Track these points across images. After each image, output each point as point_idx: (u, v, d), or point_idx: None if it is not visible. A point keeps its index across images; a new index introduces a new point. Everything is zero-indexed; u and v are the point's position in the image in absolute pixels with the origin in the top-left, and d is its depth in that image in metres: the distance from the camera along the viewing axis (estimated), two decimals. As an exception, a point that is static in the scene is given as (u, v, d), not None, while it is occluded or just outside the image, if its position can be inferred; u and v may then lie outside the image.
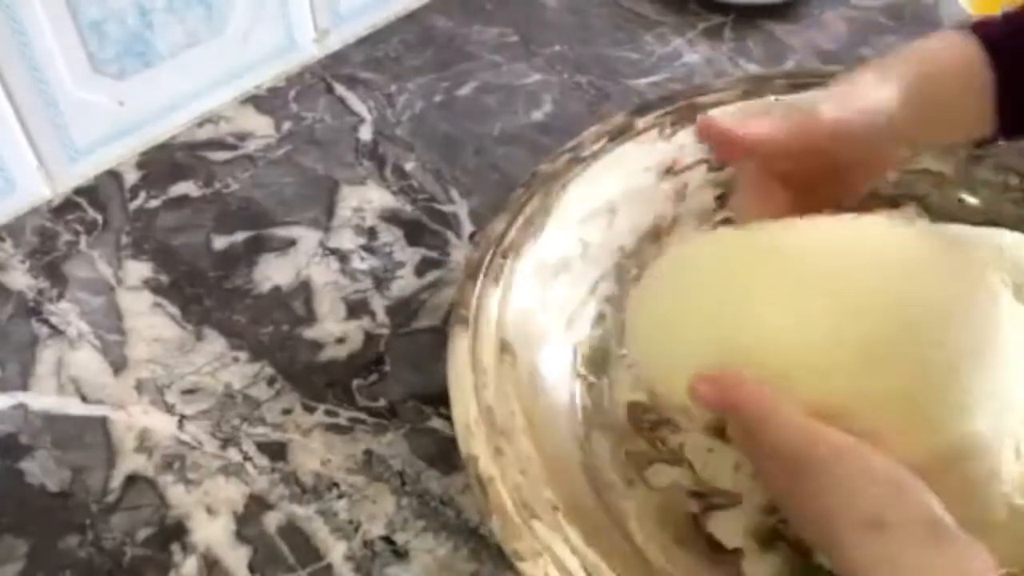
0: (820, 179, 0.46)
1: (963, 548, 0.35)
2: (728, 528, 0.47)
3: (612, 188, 0.59)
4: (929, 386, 0.41)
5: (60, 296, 0.60)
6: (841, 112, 0.44)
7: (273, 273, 0.62)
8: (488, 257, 0.53)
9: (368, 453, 0.52)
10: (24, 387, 0.56)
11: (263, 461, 0.52)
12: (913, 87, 0.46)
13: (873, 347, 0.41)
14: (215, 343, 0.58)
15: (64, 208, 0.66)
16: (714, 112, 0.46)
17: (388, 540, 0.49)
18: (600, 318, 0.56)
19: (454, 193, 0.66)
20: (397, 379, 0.56)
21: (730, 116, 0.45)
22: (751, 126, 0.44)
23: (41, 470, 0.52)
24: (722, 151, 0.46)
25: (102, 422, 0.54)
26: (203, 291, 0.61)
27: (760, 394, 0.40)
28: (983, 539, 0.36)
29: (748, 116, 0.45)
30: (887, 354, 0.41)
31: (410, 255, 0.63)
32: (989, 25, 0.47)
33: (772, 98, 0.59)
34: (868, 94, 0.45)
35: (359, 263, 0.62)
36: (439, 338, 0.55)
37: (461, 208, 0.65)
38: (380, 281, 0.61)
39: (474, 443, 0.46)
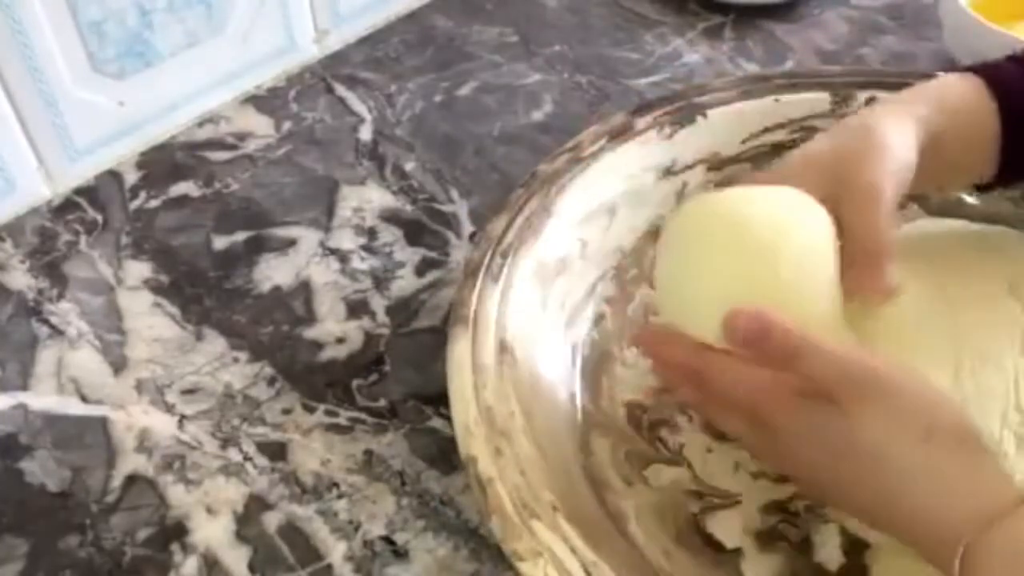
0: None
1: (993, 463, 0.37)
2: (728, 528, 0.47)
3: (612, 188, 0.59)
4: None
5: (60, 296, 0.60)
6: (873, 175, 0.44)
7: (273, 273, 0.62)
8: (488, 257, 0.53)
9: (368, 453, 0.52)
10: (24, 387, 0.56)
11: (263, 461, 0.52)
12: (929, 140, 0.45)
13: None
14: (215, 343, 0.58)
15: (64, 208, 0.66)
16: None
17: (388, 540, 0.49)
18: (600, 318, 0.56)
19: (454, 193, 0.66)
20: (397, 379, 0.56)
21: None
22: None
23: (41, 470, 0.52)
24: None
25: (102, 422, 0.54)
26: (203, 291, 0.61)
27: (791, 325, 0.41)
28: None
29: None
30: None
31: (410, 255, 0.63)
32: (997, 70, 0.47)
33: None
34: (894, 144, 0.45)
35: (359, 263, 0.62)
36: (439, 338, 0.55)
37: (461, 208, 0.65)
38: (380, 281, 0.61)
39: (474, 443, 0.46)
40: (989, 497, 0.36)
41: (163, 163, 0.69)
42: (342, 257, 0.62)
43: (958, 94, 0.47)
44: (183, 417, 0.54)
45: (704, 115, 0.61)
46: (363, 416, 0.54)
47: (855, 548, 0.46)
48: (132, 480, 0.51)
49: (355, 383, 0.56)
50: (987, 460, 0.38)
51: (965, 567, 0.35)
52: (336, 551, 0.48)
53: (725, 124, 0.61)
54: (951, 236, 0.54)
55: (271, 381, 0.56)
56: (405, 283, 0.61)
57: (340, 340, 0.58)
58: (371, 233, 0.64)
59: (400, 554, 0.48)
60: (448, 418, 0.48)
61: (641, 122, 0.60)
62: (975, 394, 0.44)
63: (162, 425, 0.54)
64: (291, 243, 0.63)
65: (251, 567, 0.48)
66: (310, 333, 0.58)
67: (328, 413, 0.54)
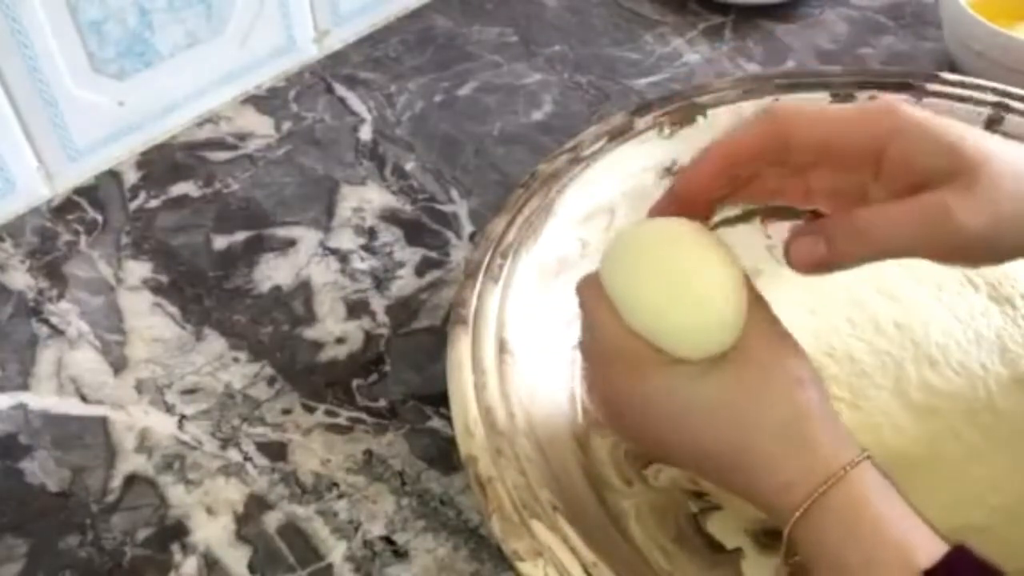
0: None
1: (841, 424, 0.40)
2: (728, 528, 0.47)
3: (611, 188, 0.59)
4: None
5: (60, 296, 0.60)
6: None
7: (273, 273, 0.62)
8: (488, 257, 0.53)
9: (368, 453, 0.52)
10: (24, 387, 0.56)
11: (263, 461, 0.52)
12: None
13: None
14: (215, 343, 0.58)
15: (64, 208, 0.66)
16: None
17: (388, 540, 0.49)
18: (600, 318, 0.56)
19: (454, 193, 0.66)
20: (397, 379, 0.56)
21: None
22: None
23: (41, 470, 0.52)
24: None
25: (102, 422, 0.54)
26: (203, 291, 0.61)
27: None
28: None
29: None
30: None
31: (410, 255, 0.63)
32: None
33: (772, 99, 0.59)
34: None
35: (359, 263, 0.62)
36: (439, 338, 0.55)
37: (461, 208, 0.65)
38: (380, 281, 0.61)
39: (474, 444, 0.46)
40: (834, 456, 0.38)
41: (163, 163, 0.69)
42: (342, 257, 0.62)
43: None
44: (183, 417, 0.54)
45: (704, 115, 0.61)
46: (363, 416, 0.54)
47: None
48: (132, 480, 0.51)
49: (355, 383, 0.56)
50: (837, 421, 0.40)
51: (801, 519, 0.38)
52: (336, 551, 0.48)
53: (725, 124, 0.61)
54: None
55: (271, 381, 0.56)
56: (405, 283, 0.61)
57: (340, 340, 0.58)
58: (371, 233, 0.64)
59: (400, 554, 0.48)
60: (448, 418, 0.48)
61: (641, 122, 0.60)
62: None
63: (162, 425, 0.54)
64: (291, 243, 0.63)
65: (251, 567, 0.48)
66: (310, 333, 0.58)
67: (328, 413, 0.54)
